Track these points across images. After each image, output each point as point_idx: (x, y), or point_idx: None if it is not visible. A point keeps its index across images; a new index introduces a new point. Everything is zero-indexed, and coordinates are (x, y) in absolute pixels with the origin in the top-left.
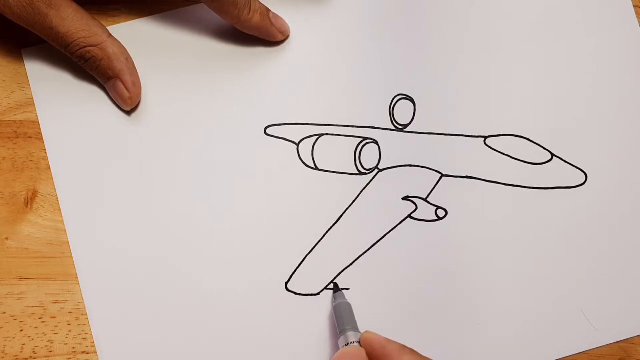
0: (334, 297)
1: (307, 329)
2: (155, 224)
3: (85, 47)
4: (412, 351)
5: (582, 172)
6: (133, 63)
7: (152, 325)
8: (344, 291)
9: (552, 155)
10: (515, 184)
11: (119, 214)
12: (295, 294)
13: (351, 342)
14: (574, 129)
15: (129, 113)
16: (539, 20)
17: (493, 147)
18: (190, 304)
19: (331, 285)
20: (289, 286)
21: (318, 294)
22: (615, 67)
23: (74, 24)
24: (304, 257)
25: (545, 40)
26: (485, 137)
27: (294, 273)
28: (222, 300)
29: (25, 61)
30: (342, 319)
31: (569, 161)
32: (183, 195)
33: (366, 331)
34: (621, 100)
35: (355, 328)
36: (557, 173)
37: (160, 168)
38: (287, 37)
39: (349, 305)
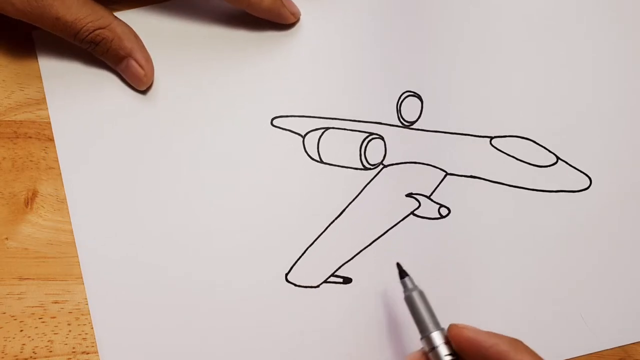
0: (403, 284)
1: (306, 320)
2: (161, 217)
3: (94, 30)
4: (527, 348)
5: (586, 177)
6: (142, 41)
7: (153, 322)
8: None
9: (557, 158)
10: (520, 186)
11: (123, 211)
12: (295, 285)
13: (437, 346)
14: (580, 132)
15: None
16: (552, 20)
17: (499, 147)
18: (192, 295)
19: (332, 279)
20: (288, 277)
21: (318, 286)
22: (618, 69)
23: (80, 10)
24: (305, 249)
25: (554, 41)
26: (491, 138)
27: (294, 265)
28: (224, 293)
29: (36, 47)
30: (420, 315)
31: (574, 165)
32: (189, 186)
33: (457, 326)
34: (627, 105)
35: (437, 325)
36: (561, 176)
37: (167, 159)
38: (298, 19)
39: (422, 295)
